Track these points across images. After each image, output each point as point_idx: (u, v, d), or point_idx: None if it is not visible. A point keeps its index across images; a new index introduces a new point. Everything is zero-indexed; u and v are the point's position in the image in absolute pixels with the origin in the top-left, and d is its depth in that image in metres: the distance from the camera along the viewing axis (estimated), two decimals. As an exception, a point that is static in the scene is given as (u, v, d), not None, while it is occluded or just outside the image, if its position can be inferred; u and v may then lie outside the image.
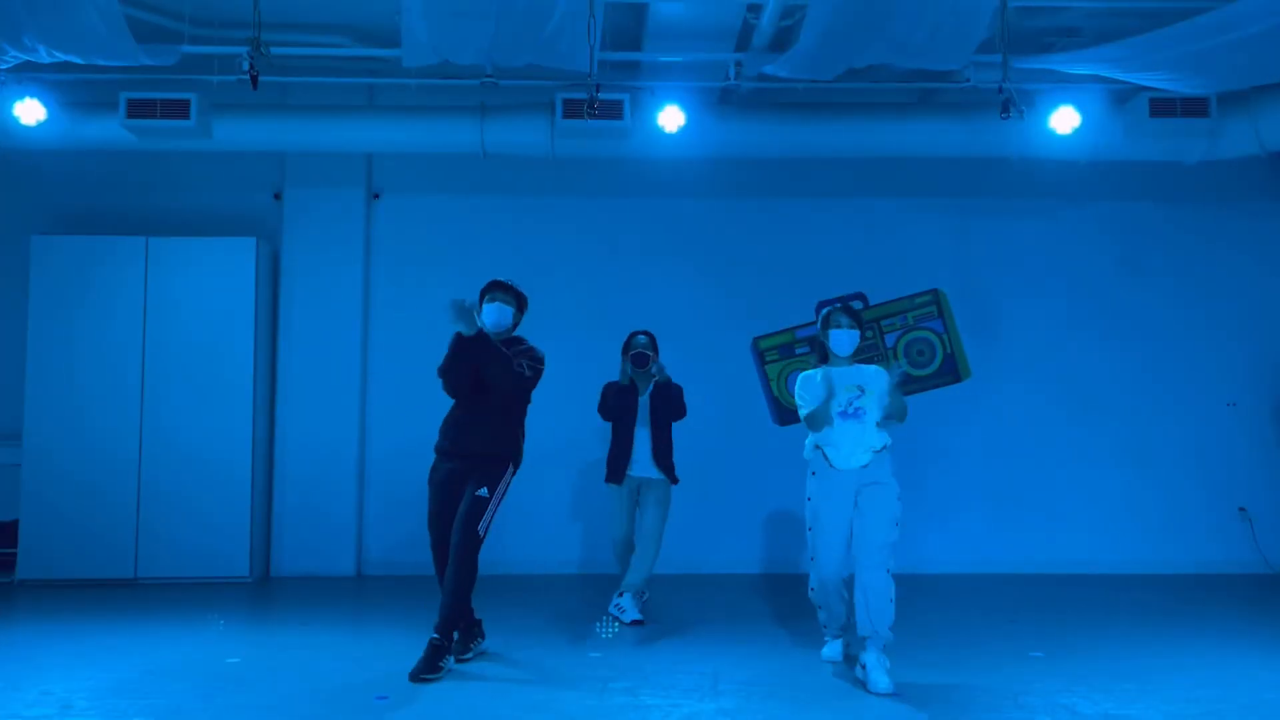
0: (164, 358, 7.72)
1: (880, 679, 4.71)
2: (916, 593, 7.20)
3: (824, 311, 5.35)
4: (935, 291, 8.30)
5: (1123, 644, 5.58)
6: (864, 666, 4.82)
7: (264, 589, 7.56)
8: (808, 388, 5.19)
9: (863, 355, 8.23)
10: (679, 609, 6.68)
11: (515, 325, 5.51)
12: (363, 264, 8.28)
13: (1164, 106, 7.14)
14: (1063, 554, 8.08)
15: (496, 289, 5.46)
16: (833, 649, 5.39)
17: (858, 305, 8.28)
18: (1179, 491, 8.20)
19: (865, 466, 5.08)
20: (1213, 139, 7.43)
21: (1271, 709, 4.36)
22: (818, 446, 5.18)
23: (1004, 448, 8.21)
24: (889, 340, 8.28)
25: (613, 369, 6.69)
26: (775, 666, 5.13)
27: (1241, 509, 8.20)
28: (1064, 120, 7.30)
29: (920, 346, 8.28)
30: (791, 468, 8.08)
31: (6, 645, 5.59)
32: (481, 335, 5.07)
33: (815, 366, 5.29)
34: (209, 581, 7.59)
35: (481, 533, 5.13)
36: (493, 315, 5.38)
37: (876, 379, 5.20)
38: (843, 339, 5.21)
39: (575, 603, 6.92)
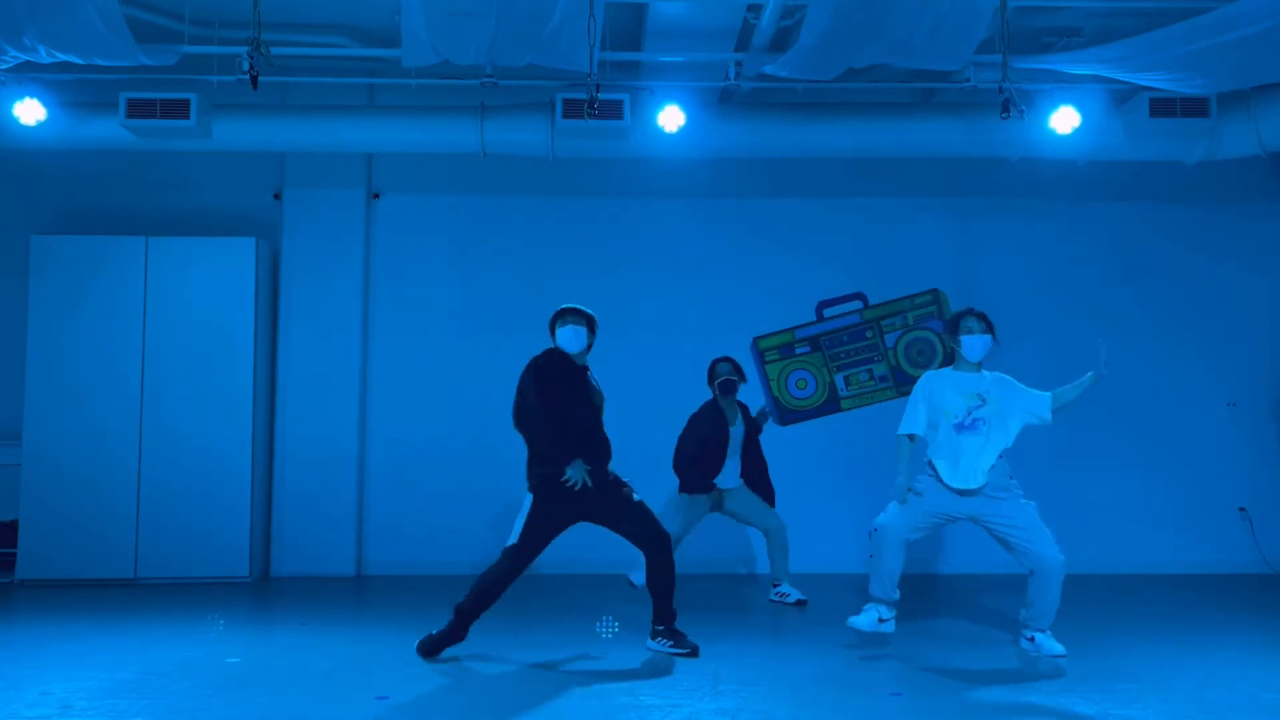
0: (164, 357, 7.72)
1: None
2: (917, 593, 7.20)
3: (955, 314, 5.21)
4: (935, 291, 8.29)
5: (1123, 644, 5.57)
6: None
7: (264, 589, 7.56)
8: (921, 396, 5.06)
9: (864, 355, 8.13)
10: (678, 609, 6.65)
11: (589, 348, 5.58)
12: (363, 264, 8.28)
13: (1164, 106, 7.14)
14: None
15: (569, 314, 5.53)
16: (868, 617, 5.28)
17: (858, 305, 8.28)
18: (1179, 491, 8.19)
19: (979, 491, 4.92)
20: (1213, 139, 7.43)
21: (1271, 709, 4.36)
22: (929, 461, 5.01)
23: (1004, 448, 8.20)
24: (889, 340, 8.27)
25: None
26: (775, 666, 5.13)
27: (1241, 509, 8.20)
28: (1064, 120, 7.30)
29: (920, 346, 8.27)
30: (792, 468, 8.13)
31: (6, 645, 5.58)
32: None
33: (943, 361, 5.13)
34: (209, 581, 7.58)
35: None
36: (569, 338, 5.47)
37: (999, 387, 5.01)
38: (975, 344, 5.08)
39: (575, 602, 6.92)
